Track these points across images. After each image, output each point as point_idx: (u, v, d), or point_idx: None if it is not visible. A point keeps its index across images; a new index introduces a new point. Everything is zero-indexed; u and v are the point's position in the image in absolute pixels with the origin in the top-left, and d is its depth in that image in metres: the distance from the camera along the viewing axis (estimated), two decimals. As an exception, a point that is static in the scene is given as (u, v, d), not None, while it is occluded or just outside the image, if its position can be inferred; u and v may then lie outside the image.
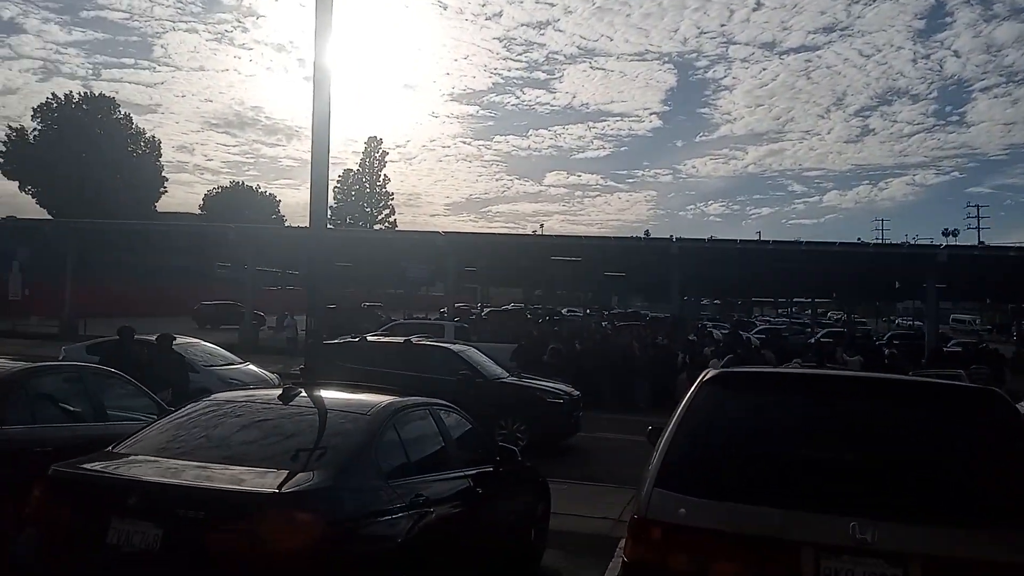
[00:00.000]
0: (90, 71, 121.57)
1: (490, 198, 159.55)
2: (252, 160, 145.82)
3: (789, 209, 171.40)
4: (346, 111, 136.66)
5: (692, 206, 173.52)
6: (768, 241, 33.82)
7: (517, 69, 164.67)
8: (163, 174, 75.96)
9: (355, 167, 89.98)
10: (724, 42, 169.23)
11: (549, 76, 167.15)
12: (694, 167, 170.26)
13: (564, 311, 58.75)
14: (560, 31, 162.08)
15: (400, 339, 16.70)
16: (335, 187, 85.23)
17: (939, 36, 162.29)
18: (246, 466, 4.71)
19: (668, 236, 33.85)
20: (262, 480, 4.50)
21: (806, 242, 31.97)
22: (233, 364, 16.65)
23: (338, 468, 4.77)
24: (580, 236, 38.27)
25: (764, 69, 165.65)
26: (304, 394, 6.03)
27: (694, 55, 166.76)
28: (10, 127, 70.63)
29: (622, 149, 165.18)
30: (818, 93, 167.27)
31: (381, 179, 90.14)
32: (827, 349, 24.73)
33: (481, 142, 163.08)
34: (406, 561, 4.94)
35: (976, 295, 58.84)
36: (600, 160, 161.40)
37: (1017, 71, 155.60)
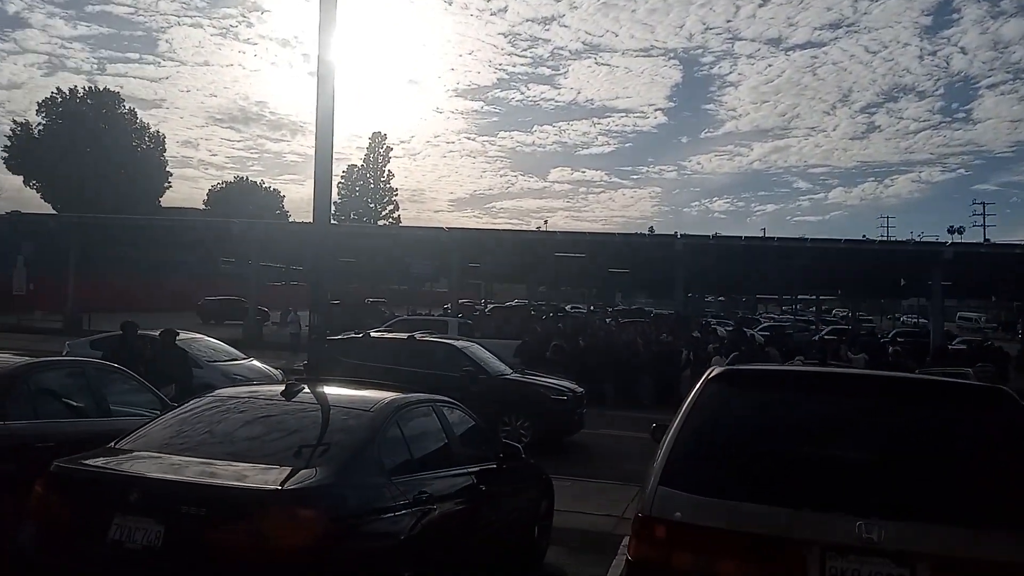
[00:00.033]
0: (95, 66, 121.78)
1: (494, 194, 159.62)
2: (256, 155, 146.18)
3: (794, 206, 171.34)
4: (350, 106, 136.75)
5: (697, 203, 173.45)
6: (773, 238, 33.72)
7: (522, 65, 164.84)
8: (167, 169, 76.03)
9: (359, 163, 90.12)
10: (730, 38, 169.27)
11: (554, 72, 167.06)
12: (699, 163, 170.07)
13: (568, 307, 58.72)
14: (565, 27, 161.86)
15: (403, 335, 16.66)
16: (339, 183, 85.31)
17: (946, 32, 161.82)
18: (249, 462, 4.69)
19: (672, 232, 33.79)
20: (265, 477, 4.49)
21: (811, 239, 31.90)
22: (237, 360, 16.63)
23: (341, 465, 4.76)
24: (584, 232, 38.32)
25: (770, 65, 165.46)
26: (307, 390, 6.02)
27: (699, 51, 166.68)
28: (15, 121, 70.65)
29: (627, 145, 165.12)
30: (824, 90, 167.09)
31: (385, 175, 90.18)
32: (831, 346, 24.69)
33: (485, 138, 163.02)
34: (409, 558, 4.92)
35: (982, 293, 58.64)
36: (605, 156, 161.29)
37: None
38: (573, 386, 15.02)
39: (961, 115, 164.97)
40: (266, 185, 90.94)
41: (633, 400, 20.23)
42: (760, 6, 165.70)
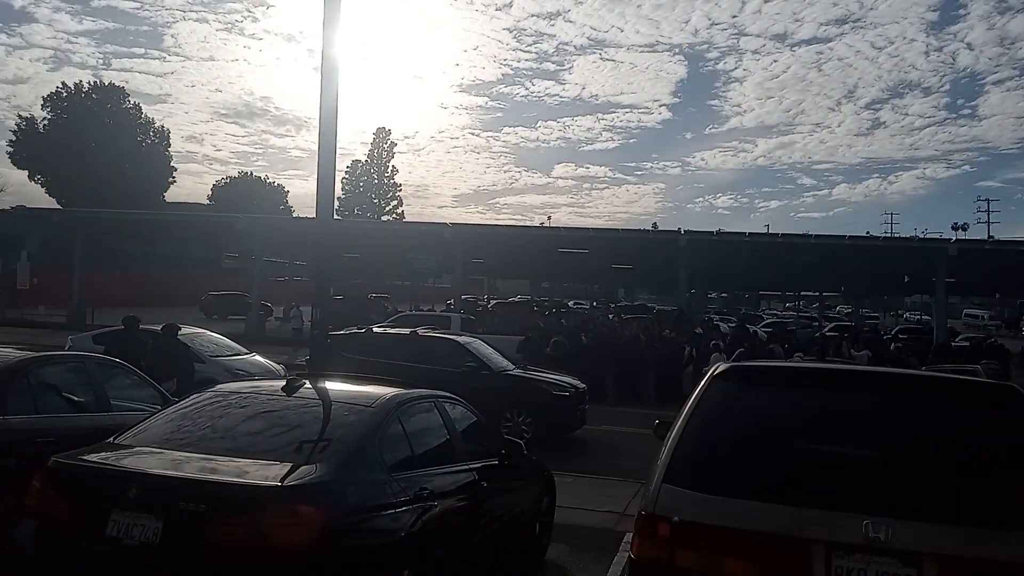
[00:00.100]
0: (100, 61, 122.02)
1: (498, 190, 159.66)
2: (261, 151, 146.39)
3: (798, 202, 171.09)
4: (355, 102, 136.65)
5: (700, 199, 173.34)
6: (777, 234, 33.58)
7: (527, 60, 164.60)
8: (172, 164, 76.06)
9: (363, 158, 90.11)
10: (735, 33, 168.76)
11: (559, 67, 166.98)
12: (703, 159, 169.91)
13: (571, 303, 58.66)
14: (570, 22, 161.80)
15: (406, 331, 16.62)
16: (343, 178, 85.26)
17: (952, 28, 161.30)
18: (249, 458, 4.66)
19: (676, 229, 33.71)
20: (265, 473, 4.45)
21: (815, 235, 31.76)
22: (239, 354, 16.61)
23: (341, 461, 4.73)
24: (588, 228, 38.21)
25: (775, 61, 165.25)
26: (309, 385, 6.00)
27: (705, 46, 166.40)
28: (20, 116, 70.59)
29: (631, 141, 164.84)
30: (829, 85, 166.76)
31: (389, 170, 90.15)
32: (833, 343, 24.58)
33: (489, 133, 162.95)
34: (410, 555, 4.89)
35: (986, 290, 58.55)
36: (609, 152, 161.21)
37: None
38: (575, 382, 14.97)
39: (967, 111, 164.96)
40: (270, 180, 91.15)
41: (635, 396, 20.21)
42: (766, 1, 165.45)
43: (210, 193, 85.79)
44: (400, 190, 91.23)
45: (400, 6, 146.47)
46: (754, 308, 78.27)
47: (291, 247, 44.10)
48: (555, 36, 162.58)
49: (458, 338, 16.25)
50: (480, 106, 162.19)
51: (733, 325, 32.38)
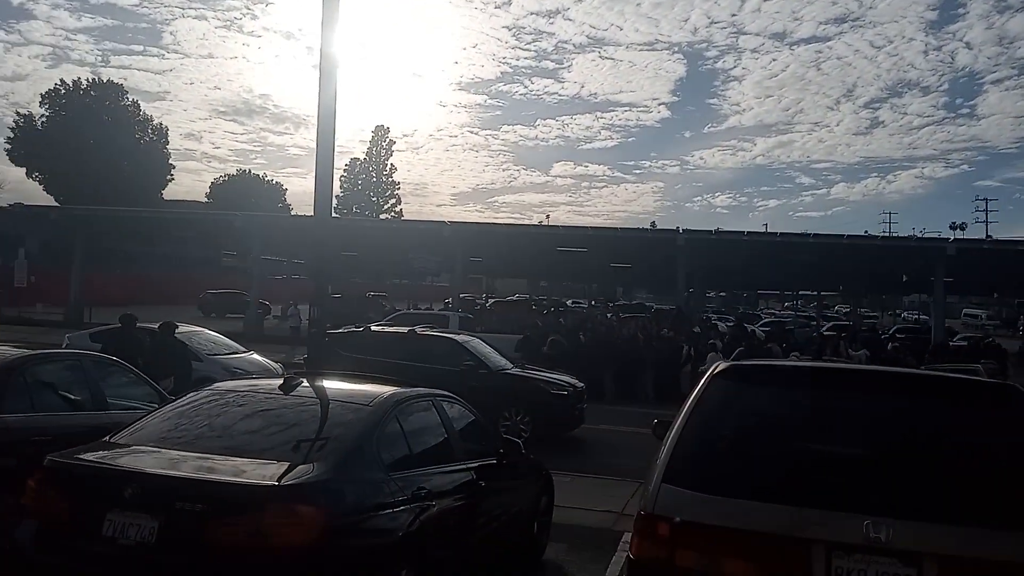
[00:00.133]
0: (99, 58, 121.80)
1: (497, 188, 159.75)
2: (259, 148, 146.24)
3: (796, 201, 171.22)
4: (354, 100, 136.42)
5: (699, 198, 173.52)
6: (776, 233, 33.59)
7: (526, 58, 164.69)
8: (170, 162, 75.98)
9: (362, 156, 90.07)
10: (735, 32, 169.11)
11: (558, 65, 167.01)
12: (702, 158, 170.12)
13: (569, 302, 58.65)
14: (570, 20, 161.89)
15: (404, 329, 16.59)
16: (341, 176, 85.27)
17: (951, 27, 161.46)
18: (246, 457, 4.63)
19: (675, 228, 33.69)
20: (262, 472, 4.43)
21: (814, 234, 31.76)
22: (237, 353, 16.58)
23: (339, 460, 4.70)
24: (586, 227, 38.14)
25: (774, 60, 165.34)
26: (306, 384, 5.97)
27: (704, 45, 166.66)
28: (18, 113, 70.53)
29: (630, 140, 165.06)
30: (828, 84, 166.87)
31: (388, 168, 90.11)
32: (831, 343, 24.55)
33: (488, 132, 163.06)
34: (408, 555, 4.86)
35: (984, 289, 58.55)
36: (607, 151, 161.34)
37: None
38: (574, 381, 14.95)
39: (965, 111, 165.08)
40: (269, 178, 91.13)
41: (633, 395, 20.20)
42: (765, 0, 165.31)
43: (208, 191, 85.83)
44: (399, 188, 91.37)
45: (399, 4, 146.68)
46: (752, 307, 78.29)
47: (289, 245, 44.02)
48: (554, 34, 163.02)
49: (456, 337, 16.23)
50: (479, 104, 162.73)
51: (731, 324, 32.39)
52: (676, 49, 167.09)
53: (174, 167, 76.50)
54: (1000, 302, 72.75)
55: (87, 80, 72.10)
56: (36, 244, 38.41)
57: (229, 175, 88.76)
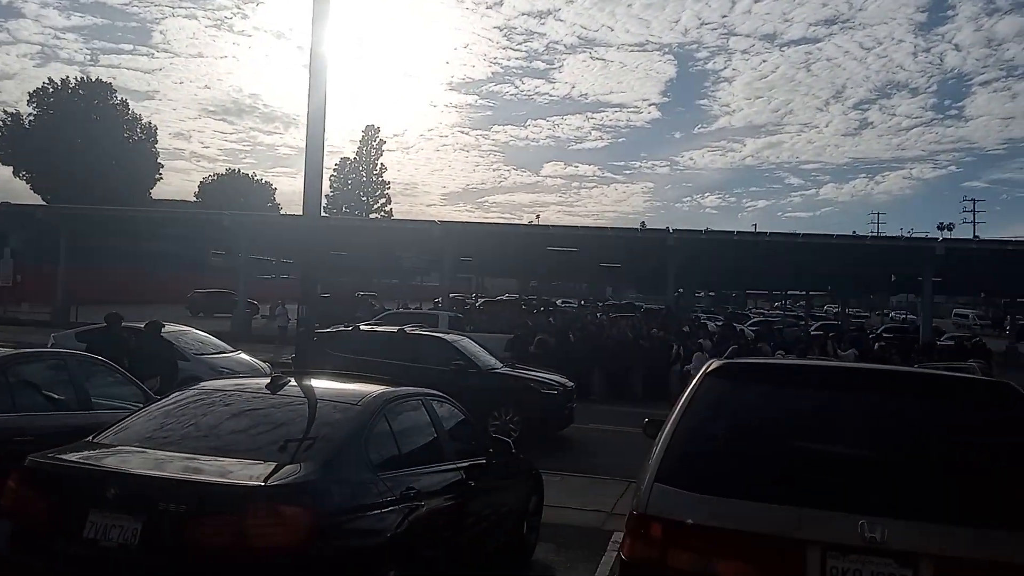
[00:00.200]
0: (88, 56, 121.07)
1: (487, 188, 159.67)
2: (249, 148, 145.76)
3: (785, 202, 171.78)
4: (344, 99, 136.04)
5: (688, 198, 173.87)
6: (765, 233, 33.67)
7: (517, 58, 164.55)
8: (159, 161, 75.60)
9: (352, 155, 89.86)
10: (725, 33, 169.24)
11: (549, 66, 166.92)
12: (691, 159, 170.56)
13: (559, 302, 58.66)
14: (561, 21, 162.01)
15: (393, 329, 16.52)
16: (331, 175, 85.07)
17: (940, 29, 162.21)
18: (232, 457, 4.56)
19: (664, 228, 33.71)
20: (248, 472, 4.35)
21: (803, 234, 31.85)
22: (224, 352, 16.47)
23: (326, 460, 4.63)
24: (577, 226, 38.13)
25: (764, 61, 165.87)
26: (294, 383, 5.90)
27: (694, 46, 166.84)
28: (5, 112, 70.05)
29: (620, 140, 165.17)
30: (817, 86, 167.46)
31: (378, 168, 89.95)
32: (818, 342, 24.61)
33: (479, 132, 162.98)
34: (396, 556, 4.80)
35: (971, 289, 58.85)
36: (598, 151, 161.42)
37: (1017, 65, 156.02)
38: (563, 380, 14.91)
39: (953, 112, 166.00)
40: (258, 178, 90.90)
41: (623, 394, 20.18)
42: (756, 1, 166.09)
43: (197, 190, 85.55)
44: (389, 188, 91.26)
45: (390, 4, 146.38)
46: (741, 307, 78.44)
47: (278, 245, 43.84)
48: (545, 35, 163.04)
49: (446, 336, 16.17)
50: (470, 104, 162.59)
51: (720, 324, 32.45)
52: (667, 50, 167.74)
53: (163, 166, 76.23)
54: (987, 302, 73.14)
55: (76, 79, 71.79)
56: (22, 243, 38.06)
57: (218, 175, 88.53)
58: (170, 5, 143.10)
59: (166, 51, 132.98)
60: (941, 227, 61.81)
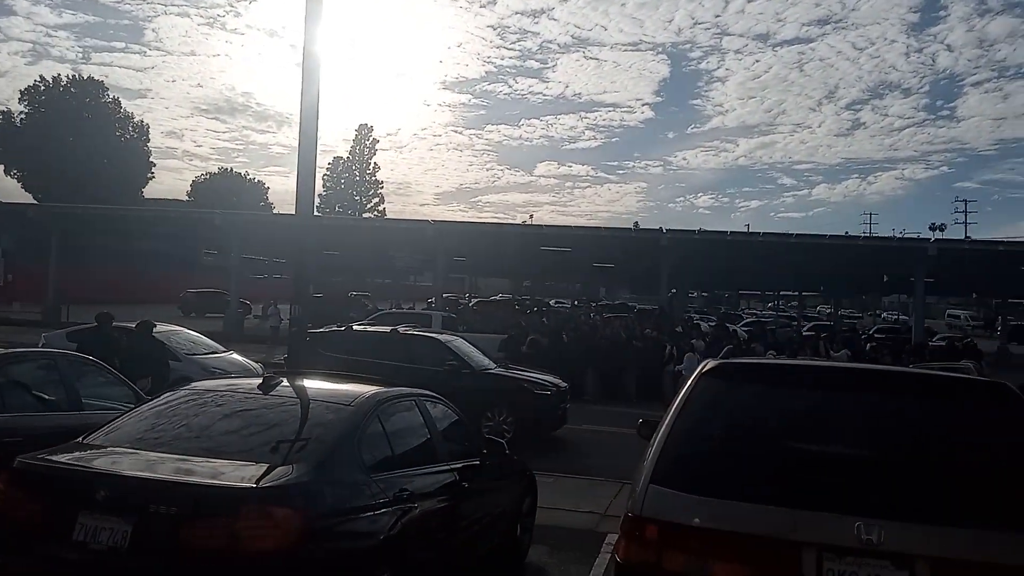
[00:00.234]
0: (80, 54, 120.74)
1: (480, 188, 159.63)
2: (242, 147, 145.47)
3: (778, 202, 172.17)
4: (337, 98, 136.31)
5: (681, 198, 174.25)
6: (758, 233, 33.76)
7: (510, 58, 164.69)
8: (151, 160, 75.44)
9: (345, 155, 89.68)
10: (718, 33, 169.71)
11: (542, 65, 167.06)
12: (684, 159, 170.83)
13: (552, 302, 58.65)
14: (554, 20, 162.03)
15: (386, 329, 16.47)
16: (324, 175, 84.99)
17: (933, 30, 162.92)
18: (224, 458, 4.52)
19: (658, 228, 33.73)
20: (240, 474, 4.32)
21: (796, 234, 31.88)
22: (216, 352, 16.39)
23: (319, 461, 4.59)
24: (571, 226, 38.12)
25: (757, 61, 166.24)
26: (286, 384, 5.86)
27: (688, 46, 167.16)
28: (-4, 109, 69.64)
29: (613, 140, 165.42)
30: (810, 86, 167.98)
31: (371, 167, 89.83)
32: (810, 343, 24.66)
33: (472, 131, 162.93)
34: (389, 558, 4.77)
35: (963, 290, 59.04)
36: (591, 151, 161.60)
37: (1009, 66, 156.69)
38: (557, 381, 14.89)
39: (945, 113, 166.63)
40: (251, 177, 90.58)
41: (616, 395, 20.17)
42: (749, 1, 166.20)
43: (189, 189, 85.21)
44: (382, 187, 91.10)
45: (384, 2, 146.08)
46: (734, 308, 78.56)
47: (271, 244, 43.69)
48: (539, 34, 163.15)
49: (439, 336, 16.13)
50: (463, 104, 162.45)
51: (713, 324, 32.48)
52: (660, 50, 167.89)
53: (155, 165, 76.12)
54: (979, 302, 73.40)
55: (67, 77, 71.53)
56: (13, 242, 37.83)
57: (211, 173, 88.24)
58: (163, 3, 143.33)
59: (158, 49, 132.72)
60: (933, 228, 62.14)
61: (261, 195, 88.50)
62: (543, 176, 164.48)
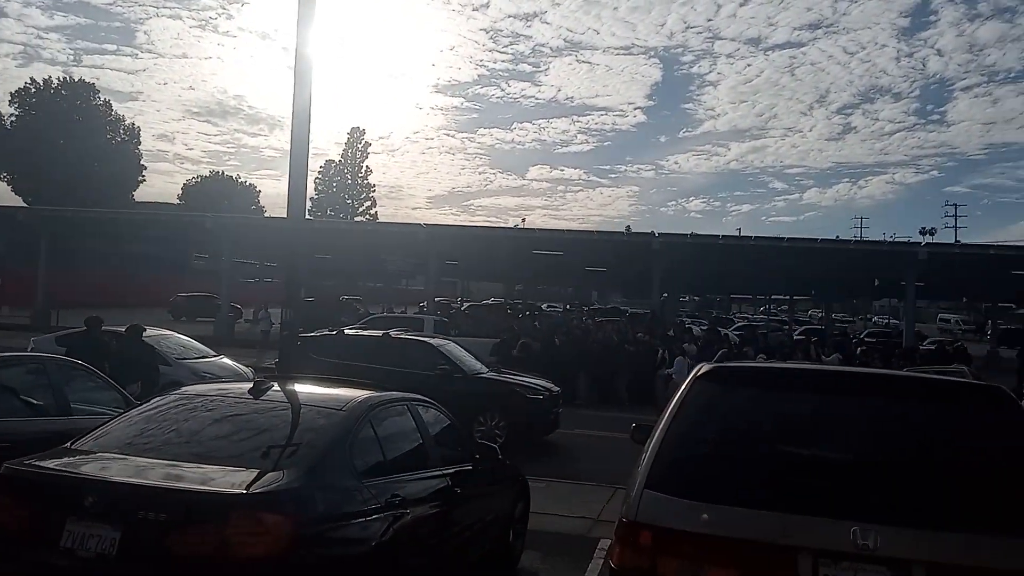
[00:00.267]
0: (71, 57, 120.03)
1: (473, 191, 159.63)
2: (233, 150, 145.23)
3: (769, 206, 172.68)
4: (329, 101, 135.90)
5: (673, 202, 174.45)
6: (750, 236, 33.81)
7: (503, 61, 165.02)
8: (142, 163, 74.99)
9: (337, 158, 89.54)
10: (710, 37, 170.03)
11: (535, 69, 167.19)
12: (676, 163, 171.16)
13: (544, 306, 58.64)
14: (547, 23, 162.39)
15: (378, 333, 16.43)
16: (316, 178, 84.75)
17: (923, 34, 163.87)
18: (214, 464, 4.47)
19: (650, 231, 33.78)
20: (230, 479, 4.27)
21: (788, 238, 31.98)
22: (207, 357, 16.31)
23: (310, 467, 4.54)
24: (563, 230, 38.16)
25: (749, 65, 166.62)
26: (277, 388, 5.80)
27: (680, 50, 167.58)
28: (-14, 112, 69.22)
29: (605, 144, 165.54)
30: (801, 90, 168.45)
31: (363, 171, 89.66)
32: (801, 347, 24.71)
33: (465, 135, 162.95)
34: (380, 564, 4.72)
35: (953, 294, 59.30)
36: (583, 155, 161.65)
37: (998, 70, 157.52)
38: (549, 385, 14.86)
39: (935, 117, 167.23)
40: (242, 180, 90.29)
41: (608, 399, 20.16)
42: (741, 5, 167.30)
43: (180, 193, 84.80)
44: (374, 191, 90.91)
45: (376, 5, 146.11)
46: (725, 312, 78.70)
47: (262, 248, 43.61)
48: (531, 37, 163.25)
49: (431, 340, 16.10)
50: (455, 107, 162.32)
51: (705, 328, 32.50)
52: (652, 53, 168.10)
53: (146, 168, 75.58)
54: (969, 306, 73.73)
55: (58, 79, 71.07)
56: (2, 245, 37.67)
57: (202, 177, 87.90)
58: (154, 5, 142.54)
59: (150, 52, 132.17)
60: (923, 232, 62.53)
61: (252, 198, 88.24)
62: (535, 180, 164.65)
